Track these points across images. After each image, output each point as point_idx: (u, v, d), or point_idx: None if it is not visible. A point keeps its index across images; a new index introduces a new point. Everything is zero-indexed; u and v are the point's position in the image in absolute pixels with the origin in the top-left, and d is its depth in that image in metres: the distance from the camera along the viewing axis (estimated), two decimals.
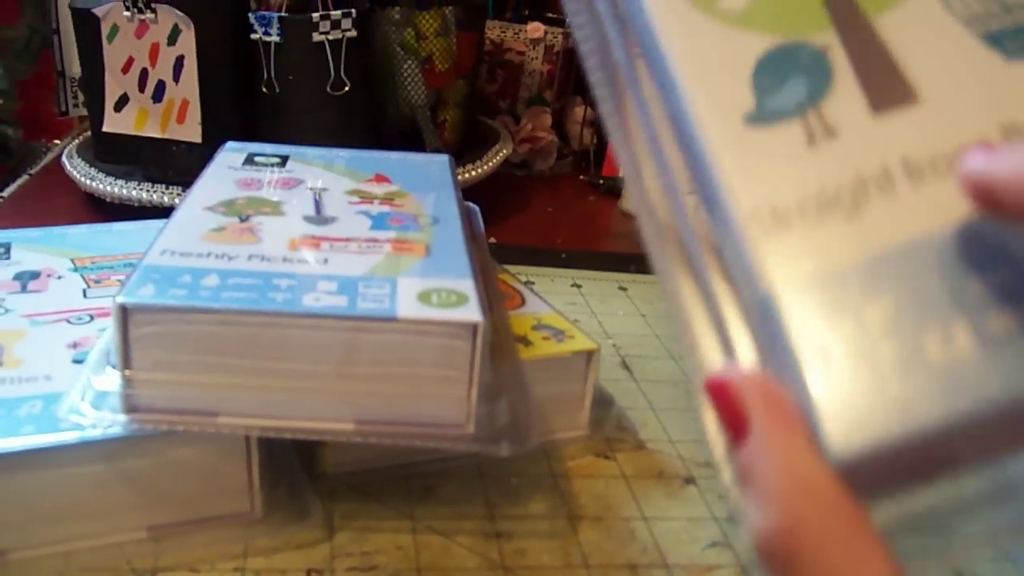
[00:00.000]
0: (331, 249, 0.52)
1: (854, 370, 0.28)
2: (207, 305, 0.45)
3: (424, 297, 0.47)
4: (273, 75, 0.88)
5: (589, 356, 0.58)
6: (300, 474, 0.53)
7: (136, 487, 0.49)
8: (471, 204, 0.73)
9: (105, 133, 0.93)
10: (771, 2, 0.34)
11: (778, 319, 0.29)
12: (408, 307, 0.46)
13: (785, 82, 0.32)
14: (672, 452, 0.62)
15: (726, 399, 0.30)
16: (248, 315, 0.45)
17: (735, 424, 0.29)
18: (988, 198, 0.27)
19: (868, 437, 0.27)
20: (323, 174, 0.65)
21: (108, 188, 0.90)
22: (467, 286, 0.49)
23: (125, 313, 0.45)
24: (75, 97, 1.07)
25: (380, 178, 0.65)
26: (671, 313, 0.33)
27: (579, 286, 0.87)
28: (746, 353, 0.31)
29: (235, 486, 0.50)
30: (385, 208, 0.59)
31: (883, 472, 0.27)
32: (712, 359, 0.32)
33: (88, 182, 0.91)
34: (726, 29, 0.33)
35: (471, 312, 0.46)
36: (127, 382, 0.46)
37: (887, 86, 0.31)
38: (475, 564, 0.50)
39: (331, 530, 0.51)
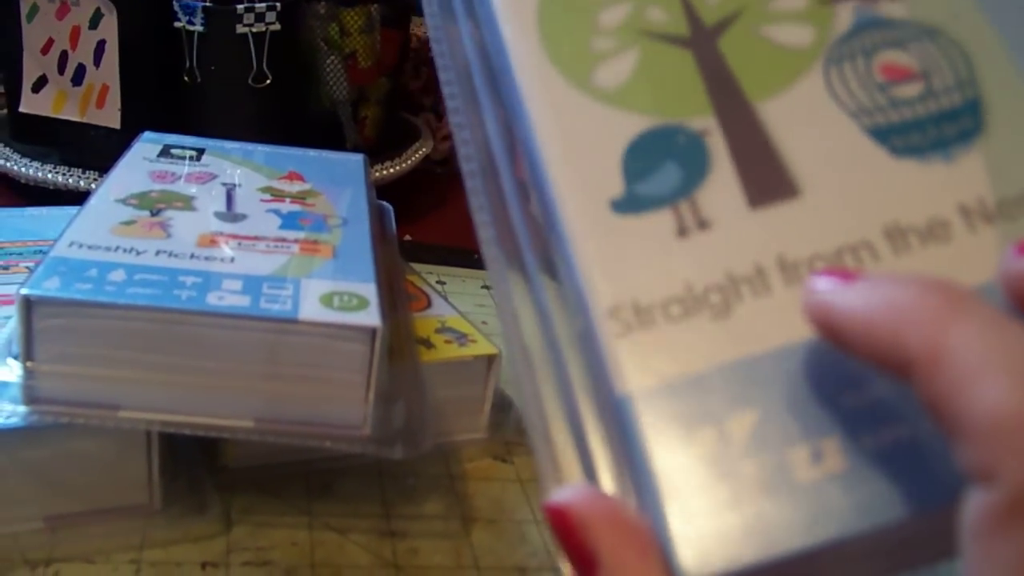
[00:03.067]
0: (239, 247, 0.53)
1: (713, 489, 0.26)
2: (112, 300, 0.46)
3: (326, 300, 0.48)
4: (195, 65, 0.88)
5: (490, 360, 0.59)
6: (200, 468, 0.54)
7: (34, 478, 0.49)
8: (384, 203, 0.74)
9: (22, 114, 0.92)
10: (649, 81, 0.32)
11: (633, 428, 0.27)
12: (310, 309, 0.47)
13: (658, 168, 0.30)
14: None
15: (569, 528, 0.26)
16: (152, 312, 0.46)
17: (581, 557, 0.26)
18: (829, 330, 0.26)
19: (724, 564, 0.25)
20: (237, 169, 0.65)
21: (23, 170, 0.89)
22: (369, 290, 0.50)
23: (29, 305, 0.45)
24: None
25: (293, 176, 0.66)
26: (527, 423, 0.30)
27: (489, 288, 0.88)
28: (604, 468, 0.28)
29: (134, 478, 0.51)
30: (296, 207, 0.60)
31: None
32: (569, 477, 0.29)
33: (2, 163, 0.90)
34: (600, 107, 0.31)
35: (370, 317, 0.47)
36: (29, 373, 0.46)
37: (767, 178, 0.30)
38: (367, 562, 0.51)
39: (228, 524, 0.52)
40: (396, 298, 0.61)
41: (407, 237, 0.94)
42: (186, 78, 0.88)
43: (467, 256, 0.93)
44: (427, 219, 1.03)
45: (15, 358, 0.46)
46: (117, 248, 0.51)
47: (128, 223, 0.54)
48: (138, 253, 0.50)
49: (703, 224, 0.29)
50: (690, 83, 0.31)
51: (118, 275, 0.48)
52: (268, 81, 0.88)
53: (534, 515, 0.57)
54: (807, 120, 0.31)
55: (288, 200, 0.61)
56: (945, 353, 0.22)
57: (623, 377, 0.28)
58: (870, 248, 0.29)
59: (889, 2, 0.32)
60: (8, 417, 0.46)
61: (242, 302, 0.47)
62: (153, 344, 0.47)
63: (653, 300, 0.29)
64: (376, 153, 0.97)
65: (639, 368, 0.28)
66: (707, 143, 0.30)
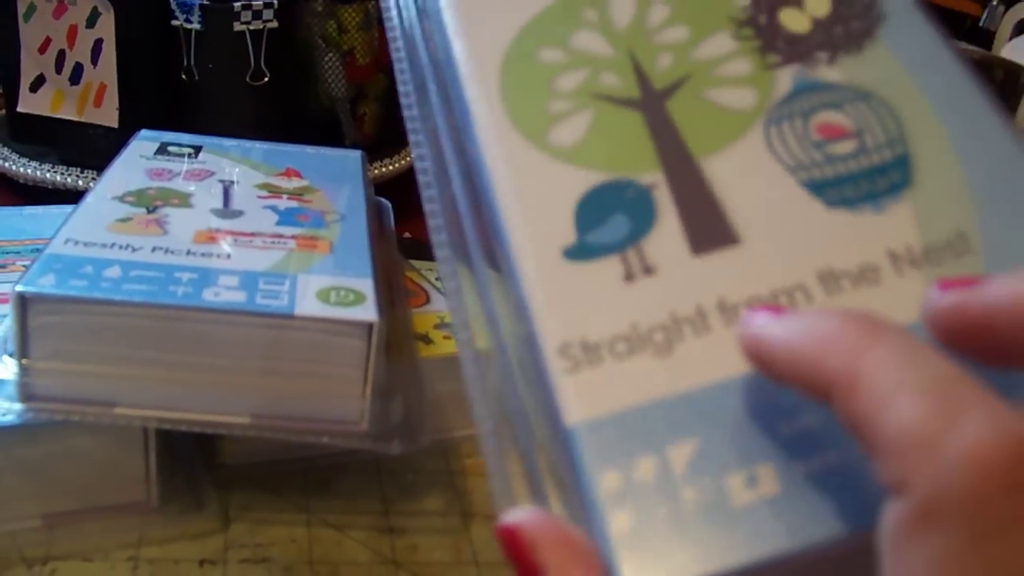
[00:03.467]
0: (235, 244, 0.53)
1: (654, 513, 0.27)
2: (107, 297, 0.46)
3: (323, 295, 0.48)
4: (193, 63, 0.88)
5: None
6: (198, 465, 0.54)
7: (31, 475, 0.49)
8: (383, 200, 0.74)
9: (19, 113, 0.92)
10: (601, 139, 0.34)
11: (579, 457, 0.28)
12: (306, 305, 0.47)
13: (608, 218, 0.32)
14: None
15: (518, 546, 0.28)
16: (147, 308, 0.46)
17: (529, 572, 0.27)
18: (760, 360, 0.28)
19: None
20: (235, 166, 0.65)
21: (21, 169, 0.89)
22: (366, 285, 0.49)
23: (24, 302, 0.45)
24: None
25: (291, 172, 0.65)
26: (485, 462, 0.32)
27: None
28: (554, 497, 0.30)
29: (132, 476, 0.51)
30: (293, 204, 0.60)
31: None
32: (520, 500, 0.31)
33: (0, 163, 0.90)
34: (555, 163, 0.34)
35: (367, 312, 0.47)
36: (24, 371, 0.46)
37: (709, 227, 0.32)
38: (367, 558, 0.51)
39: (226, 521, 0.52)
40: (394, 294, 0.60)
41: (406, 234, 0.93)
42: (184, 76, 0.88)
43: None
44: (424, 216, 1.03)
45: (11, 356, 0.46)
46: (113, 245, 0.50)
47: (124, 220, 0.54)
48: (134, 250, 0.50)
49: (648, 270, 0.31)
50: (640, 141, 0.34)
51: (114, 272, 0.48)
52: (266, 79, 0.88)
53: None
54: (748, 174, 0.33)
55: (285, 196, 0.61)
56: (862, 376, 0.24)
57: (570, 410, 0.29)
58: (804, 291, 0.31)
59: (826, 68, 0.35)
60: (4, 415, 0.46)
61: (238, 298, 0.47)
62: (149, 340, 0.47)
63: (601, 338, 0.30)
64: (375, 150, 0.96)
65: (585, 401, 0.29)
66: (654, 196, 0.33)
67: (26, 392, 0.46)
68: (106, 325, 0.46)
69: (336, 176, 0.66)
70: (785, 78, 0.35)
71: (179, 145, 0.68)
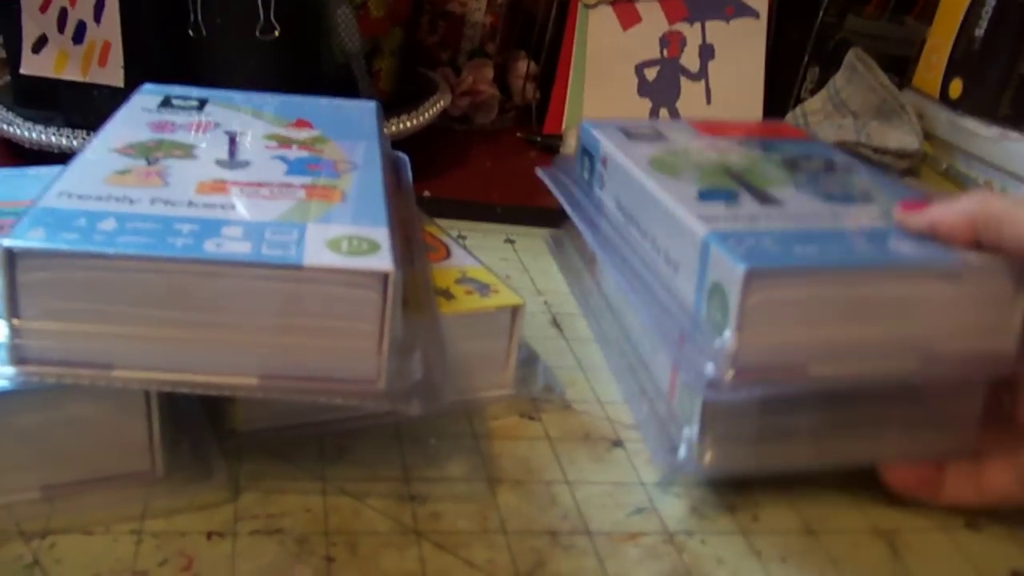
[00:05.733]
0: (241, 194, 0.49)
1: None
2: (99, 250, 0.42)
3: (334, 244, 0.44)
4: (200, 18, 0.84)
5: (514, 311, 0.55)
6: (206, 432, 0.50)
7: (28, 445, 0.46)
8: (400, 154, 0.70)
9: (23, 76, 0.89)
10: (702, 175, 0.62)
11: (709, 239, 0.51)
12: (315, 254, 0.43)
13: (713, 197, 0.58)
14: (600, 413, 0.60)
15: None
16: (144, 261, 0.43)
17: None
18: (937, 234, 0.52)
19: None
20: (242, 118, 0.62)
21: (25, 134, 0.86)
22: (381, 234, 0.46)
23: (12, 258, 0.42)
24: None
25: (301, 123, 0.62)
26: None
27: (513, 241, 0.84)
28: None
29: (135, 444, 0.47)
30: (303, 153, 0.56)
31: None
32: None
33: (5, 127, 0.87)
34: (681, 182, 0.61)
35: (382, 261, 0.44)
36: (15, 332, 0.43)
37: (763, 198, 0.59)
38: (386, 528, 0.47)
39: (236, 491, 0.48)
40: (413, 248, 0.57)
41: (426, 193, 0.90)
42: (191, 32, 0.84)
43: (489, 210, 0.89)
44: (447, 176, 1.00)
45: (1, 316, 0.43)
46: (109, 197, 0.47)
47: (123, 172, 0.51)
48: (132, 202, 0.47)
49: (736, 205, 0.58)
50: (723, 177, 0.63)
51: (108, 224, 0.44)
52: (276, 33, 0.85)
53: (564, 475, 0.53)
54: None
55: (295, 147, 0.57)
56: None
57: (699, 231, 0.54)
58: None
59: None
60: None
61: (243, 249, 0.43)
62: (147, 297, 0.43)
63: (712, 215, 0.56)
64: (391, 107, 0.93)
65: (706, 228, 0.53)
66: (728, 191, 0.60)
67: (18, 355, 0.43)
68: (101, 281, 0.43)
69: (349, 126, 0.63)
70: None
71: (184, 98, 0.65)
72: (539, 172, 0.79)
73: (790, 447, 0.53)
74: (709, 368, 0.48)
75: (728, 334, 0.48)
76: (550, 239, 0.84)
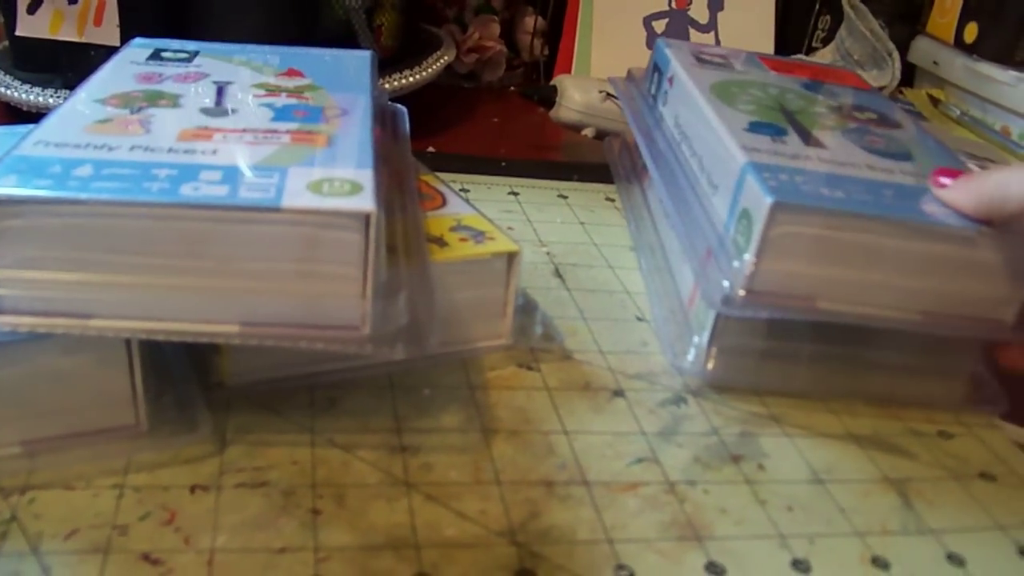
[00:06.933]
0: (224, 140, 0.48)
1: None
2: (73, 196, 0.41)
3: (315, 187, 0.43)
4: None
5: (510, 258, 0.54)
6: (191, 384, 0.49)
7: (7, 399, 0.44)
8: (398, 105, 0.68)
9: (20, 38, 0.87)
10: (757, 108, 0.64)
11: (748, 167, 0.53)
12: (295, 196, 0.42)
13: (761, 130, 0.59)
14: (601, 363, 0.58)
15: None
16: (118, 206, 0.41)
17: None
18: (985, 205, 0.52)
19: None
20: (232, 68, 0.60)
21: (23, 96, 0.85)
22: (364, 176, 0.44)
23: None
24: None
25: (293, 72, 0.60)
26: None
27: (516, 193, 0.82)
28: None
29: (117, 397, 0.46)
30: (291, 100, 0.54)
31: None
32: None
33: (3, 90, 0.86)
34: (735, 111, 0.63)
35: (364, 201, 0.42)
36: None
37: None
38: (376, 479, 0.46)
39: (222, 444, 0.47)
40: (405, 197, 0.55)
41: (430, 149, 0.89)
42: None
43: (494, 164, 0.87)
44: (452, 132, 0.98)
45: None
46: (88, 145, 0.46)
47: (104, 121, 0.49)
48: (110, 149, 0.45)
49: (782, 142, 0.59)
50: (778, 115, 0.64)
51: (84, 171, 0.43)
52: None
53: (563, 425, 0.52)
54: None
55: (284, 95, 0.56)
56: None
57: (740, 158, 0.55)
58: None
59: None
60: None
61: (219, 192, 0.42)
62: (124, 244, 0.42)
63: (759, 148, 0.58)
64: (394, 62, 0.91)
65: (750, 156, 0.56)
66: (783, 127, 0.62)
67: None
68: (75, 228, 0.41)
69: (342, 75, 0.61)
70: None
71: (175, 51, 0.63)
72: (610, 80, 0.85)
73: (789, 370, 0.58)
74: (725, 285, 0.52)
75: (748, 257, 0.52)
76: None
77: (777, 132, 0.60)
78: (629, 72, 0.84)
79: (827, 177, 0.54)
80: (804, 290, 0.52)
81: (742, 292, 0.52)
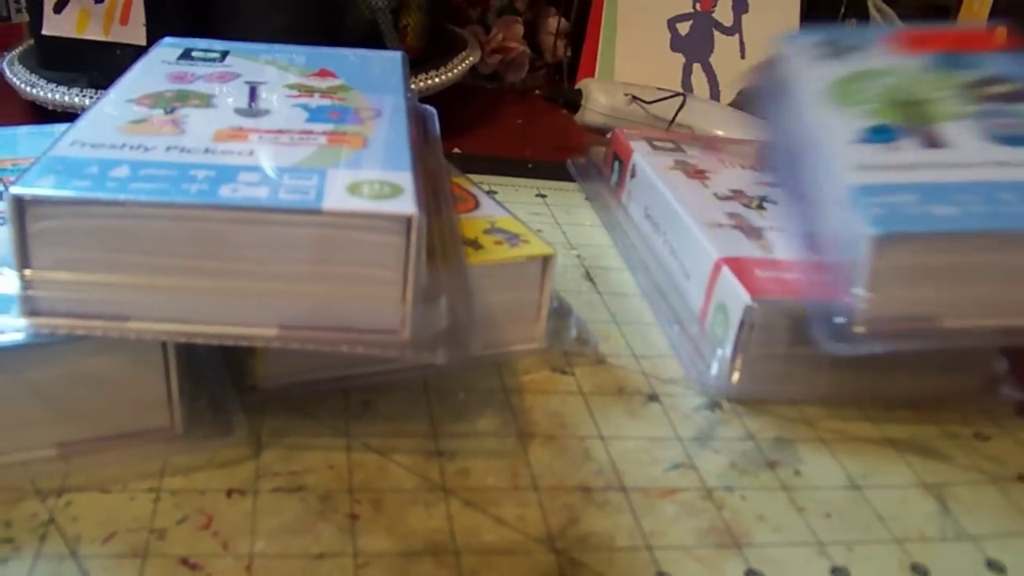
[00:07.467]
0: (260, 141, 0.47)
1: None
2: (111, 197, 0.41)
3: (354, 189, 0.43)
4: None
5: (545, 261, 0.53)
6: (227, 387, 0.49)
7: (43, 400, 0.44)
8: (428, 107, 0.68)
9: (46, 37, 0.87)
10: (879, 105, 0.60)
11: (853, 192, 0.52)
12: (336, 199, 0.42)
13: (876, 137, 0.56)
14: (635, 367, 0.58)
15: None
16: (157, 208, 0.41)
17: None
18: None
19: None
20: (263, 68, 0.60)
21: (49, 95, 0.84)
22: (404, 178, 0.44)
23: (21, 206, 0.40)
24: (17, 1, 1.02)
25: (324, 73, 0.60)
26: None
27: (544, 196, 0.82)
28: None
29: (153, 399, 0.46)
30: (325, 101, 0.54)
31: None
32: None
33: (29, 89, 0.86)
34: (851, 115, 0.59)
35: (405, 204, 0.42)
36: (27, 283, 0.41)
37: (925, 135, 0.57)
38: (413, 485, 0.46)
39: (258, 447, 0.47)
40: (440, 199, 0.55)
41: (456, 150, 0.88)
42: None
43: (521, 166, 0.87)
44: (478, 133, 0.98)
45: (11, 268, 0.41)
46: (124, 146, 0.45)
47: (138, 121, 0.49)
48: (146, 150, 0.45)
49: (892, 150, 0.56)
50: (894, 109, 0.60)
51: (121, 171, 0.43)
52: None
53: (598, 430, 0.51)
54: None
55: (317, 95, 0.55)
56: None
57: (850, 181, 0.54)
58: None
59: None
60: (9, 333, 0.42)
61: (259, 194, 0.42)
62: (162, 245, 0.42)
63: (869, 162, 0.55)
64: (420, 63, 0.91)
65: (856, 176, 0.55)
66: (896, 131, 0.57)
67: (29, 307, 0.42)
68: (113, 229, 0.41)
69: (374, 76, 0.61)
70: None
71: (204, 50, 0.63)
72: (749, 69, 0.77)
73: (812, 376, 0.56)
74: (837, 320, 0.51)
75: (859, 291, 0.50)
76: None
77: (893, 136, 0.57)
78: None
79: (941, 189, 0.52)
80: (923, 312, 0.51)
81: (860, 328, 0.51)
